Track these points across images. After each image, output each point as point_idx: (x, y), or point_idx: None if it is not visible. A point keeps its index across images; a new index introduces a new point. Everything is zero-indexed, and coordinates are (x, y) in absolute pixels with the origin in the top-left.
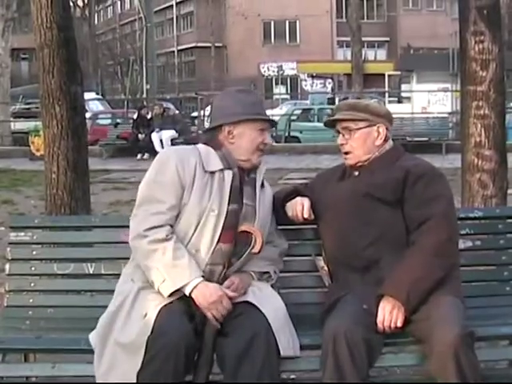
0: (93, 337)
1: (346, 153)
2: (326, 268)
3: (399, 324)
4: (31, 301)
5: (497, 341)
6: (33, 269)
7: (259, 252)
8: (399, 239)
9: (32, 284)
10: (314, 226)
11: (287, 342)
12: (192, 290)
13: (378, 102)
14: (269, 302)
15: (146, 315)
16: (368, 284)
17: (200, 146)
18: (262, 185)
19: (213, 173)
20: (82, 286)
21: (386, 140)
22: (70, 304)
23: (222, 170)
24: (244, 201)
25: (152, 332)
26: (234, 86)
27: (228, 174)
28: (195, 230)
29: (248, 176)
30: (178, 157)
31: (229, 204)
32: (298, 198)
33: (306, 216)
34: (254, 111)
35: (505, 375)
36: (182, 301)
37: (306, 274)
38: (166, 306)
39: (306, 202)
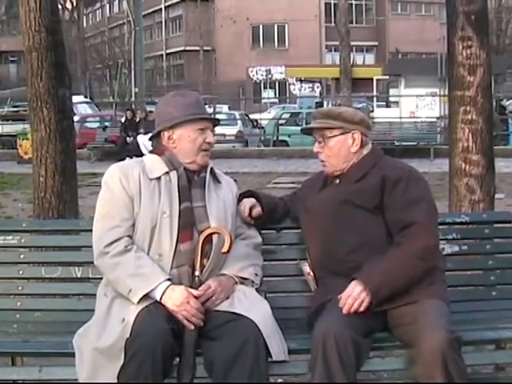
0: (75, 341)
1: (322, 161)
2: (311, 273)
3: (362, 308)
4: (19, 304)
5: (483, 345)
6: (20, 272)
7: (229, 251)
8: (381, 244)
9: (20, 287)
10: (299, 231)
11: (278, 346)
12: (161, 296)
13: (353, 109)
14: (256, 307)
15: (123, 320)
16: None
17: (147, 156)
18: (219, 181)
19: (158, 178)
20: (69, 290)
21: (362, 146)
22: (57, 308)
23: (167, 173)
24: (193, 204)
25: (130, 334)
26: (223, 89)
27: (173, 175)
28: (152, 236)
29: (198, 176)
30: (121, 171)
31: (180, 203)
32: (244, 199)
33: (245, 215)
34: (189, 112)
35: (491, 379)
36: (161, 303)
37: (293, 279)
38: (143, 309)
39: (249, 202)
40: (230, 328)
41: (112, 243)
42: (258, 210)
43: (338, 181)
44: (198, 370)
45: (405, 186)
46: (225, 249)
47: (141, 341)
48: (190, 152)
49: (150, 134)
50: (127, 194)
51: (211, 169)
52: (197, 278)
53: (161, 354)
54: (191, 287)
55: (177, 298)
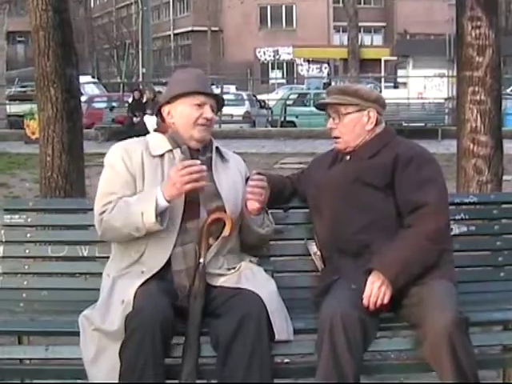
0: (80, 322)
1: (336, 137)
2: (318, 253)
3: (385, 301)
4: (25, 283)
5: (490, 326)
6: (27, 251)
7: (230, 235)
8: (390, 224)
9: (26, 266)
10: (307, 210)
11: (282, 325)
12: (163, 195)
13: (369, 87)
14: (263, 285)
15: (123, 301)
16: (359, 268)
17: (151, 134)
18: (226, 160)
19: (162, 155)
20: (76, 269)
21: (376, 124)
22: (64, 286)
23: (170, 151)
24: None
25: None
26: (230, 70)
27: (177, 152)
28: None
29: (204, 155)
30: (123, 149)
31: None
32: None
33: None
34: (186, 87)
35: (498, 360)
36: (161, 279)
37: (300, 258)
38: (141, 287)
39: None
40: (233, 303)
41: (105, 205)
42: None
43: (348, 157)
44: (204, 350)
45: (417, 165)
46: (225, 233)
47: (139, 318)
48: (187, 126)
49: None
50: (129, 173)
51: (217, 148)
52: (200, 265)
53: (159, 330)
54: (196, 272)
55: (171, 178)
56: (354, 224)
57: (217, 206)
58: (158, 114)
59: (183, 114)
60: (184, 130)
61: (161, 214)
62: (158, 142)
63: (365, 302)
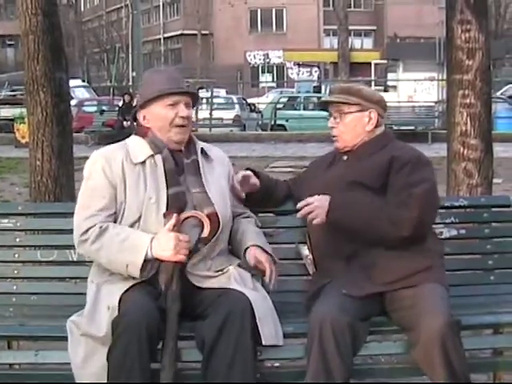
0: (68, 327)
1: (335, 136)
2: (310, 257)
3: (315, 216)
4: (15, 288)
5: (481, 329)
6: (16, 256)
7: (208, 236)
8: None
9: (15, 271)
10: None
11: (270, 331)
12: (151, 252)
13: (372, 89)
14: (251, 288)
15: (109, 308)
16: (352, 271)
17: (130, 139)
18: (211, 159)
19: (143, 162)
20: (65, 273)
21: (377, 126)
22: (53, 291)
23: (152, 156)
24: (192, 190)
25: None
26: (221, 73)
27: (159, 158)
28: (139, 223)
29: (189, 158)
30: (103, 158)
31: (168, 188)
32: (240, 171)
33: (238, 186)
34: (157, 89)
35: (489, 364)
36: (146, 283)
37: (291, 262)
38: (126, 292)
39: (243, 172)
40: (220, 302)
41: (87, 230)
42: (254, 181)
43: (345, 157)
44: (189, 354)
45: (411, 169)
46: (205, 233)
47: (126, 321)
48: (164, 129)
49: None
50: (109, 183)
51: (201, 149)
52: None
53: (145, 333)
54: (173, 274)
55: (165, 243)
56: None
57: (208, 212)
58: (136, 118)
59: (158, 116)
60: (161, 133)
61: (147, 264)
62: (138, 147)
63: (300, 203)
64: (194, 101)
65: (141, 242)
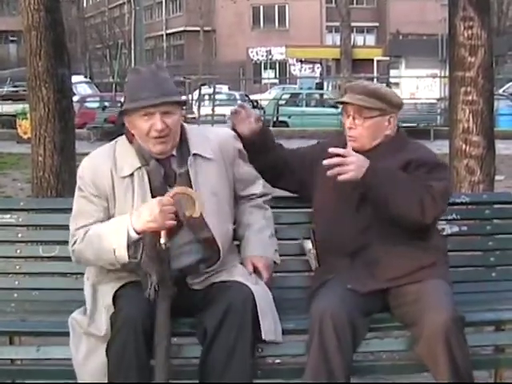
0: (70, 323)
1: (351, 136)
2: (313, 251)
3: (347, 171)
4: (16, 283)
5: (483, 326)
6: (18, 251)
7: (200, 216)
8: (391, 226)
9: (17, 266)
10: (302, 210)
11: (270, 326)
12: (133, 229)
13: (392, 90)
14: (254, 283)
15: (106, 307)
16: (355, 268)
17: (119, 141)
18: (205, 159)
19: (131, 174)
20: (67, 269)
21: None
22: (55, 287)
23: (140, 168)
24: None
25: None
26: (223, 69)
27: (144, 173)
28: None
29: (182, 166)
30: (92, 170)
31: None
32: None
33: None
34: (130, 97)
35: (490, 361)
36: (139, 282)
37: (293, 258)
38: (121, 289)
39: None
40: (222, 293)
41: (77, 229)
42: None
43: None
44: (188, 351)
45: (429, 169)
46: (196, 214)
47: (123, 315)
48: (142, 139)
49: None
50: (100, 195)
51: (194, 154)
52: (163, 245)
53: (141, 327)
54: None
55: (151, 212)
56: (354, 225)
57: (204, 237)
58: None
59: (136, 126)
60: (142, 142)
61: (134, 244)
62: (125, 158)
63: (328, 161)
64: (181, 104)
65: (121, 221)
